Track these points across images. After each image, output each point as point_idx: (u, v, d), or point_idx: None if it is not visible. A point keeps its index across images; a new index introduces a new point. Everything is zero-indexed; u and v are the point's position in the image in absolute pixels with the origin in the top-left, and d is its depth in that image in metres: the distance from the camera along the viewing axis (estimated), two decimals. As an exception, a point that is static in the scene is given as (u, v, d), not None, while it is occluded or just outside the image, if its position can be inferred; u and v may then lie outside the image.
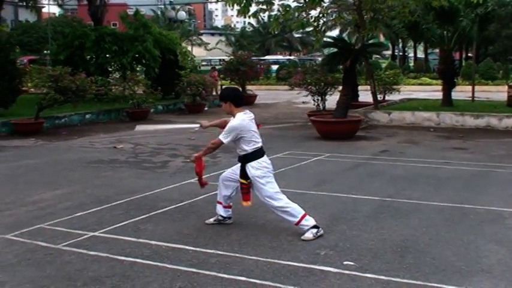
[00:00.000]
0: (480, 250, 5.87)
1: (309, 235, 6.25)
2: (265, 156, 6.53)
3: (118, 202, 8.03)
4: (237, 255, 5.79)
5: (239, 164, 6.57)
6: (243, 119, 6.43)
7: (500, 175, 9.85)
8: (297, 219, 6.33)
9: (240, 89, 28.13)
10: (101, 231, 6.66)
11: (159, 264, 5.55)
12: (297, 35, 70.38)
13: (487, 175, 9.89)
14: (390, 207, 7.60)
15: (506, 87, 21.39)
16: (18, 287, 5.07)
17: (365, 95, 22.02)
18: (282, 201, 6.40)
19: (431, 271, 5.30)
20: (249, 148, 6.41)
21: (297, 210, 6.36)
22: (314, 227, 6.32)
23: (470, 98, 21.94)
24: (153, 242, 6.20)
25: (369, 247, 5.98)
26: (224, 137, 6.38)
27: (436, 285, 4.99)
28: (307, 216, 6.35)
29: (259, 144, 6.50)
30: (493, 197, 8.16)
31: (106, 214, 7.44)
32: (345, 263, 5.52)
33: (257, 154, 6.45)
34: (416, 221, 6.98)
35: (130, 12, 32.09)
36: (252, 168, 6.41)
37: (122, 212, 7.52)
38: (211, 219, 6.92)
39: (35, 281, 5.18)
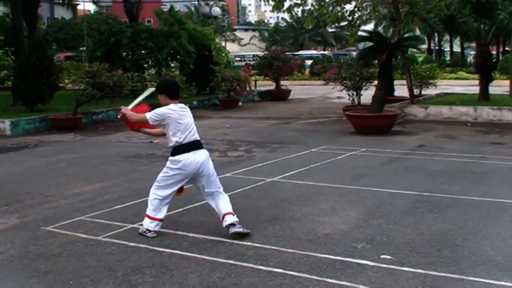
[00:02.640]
0: (518, 245, 5.83)
1: (143, 228, 6.38)
2: (186, 154, 6.21)
3: (156, 195, 8.14)
4: (274, 247, 5.83)
5: None
6: (173, 108, 6.29)
7: (538, 170, 9.70)
8: (151, 214, 6.34)
9: (274, 84, 28.28)
10: (140, 223, 6.72)
11: (197, 255, 5.64)
12: (330, 30, 70.11)
13: (525, 170, 9.76)
14: (427, 202, 7.56)
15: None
16: (61, 277, 5.19)
17: (401, 89, 21.85)
18: (155, 194, 6.36)
19: (468, 265, 5.28)
20: (173, 141, 6.28)
21: (159, 210, 6.34)
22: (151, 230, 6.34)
23: (508, 92, 21.58)
24: (190, 234, 6.30)
25: (406, 241, 5.98)
26: (150, 116, 6.29)
27: (473, 279, 4.97)
28: (159, 223, 6.35)
29: (184, 141, 6.25)
30: (532, 191, 8.05)
31: (144, 207, 7.44)
32: (382, 256, 5.53)
33: (177, 151, 6.25)
34: (454, 215, 6.94)
35: (165, 8, 32.31)
36: (168, 162, 6.32)
37: (160, 205, 7.63)
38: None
39: (76, 271, 5.31)
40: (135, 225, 6.69)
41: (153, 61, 25.18)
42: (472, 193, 8.01)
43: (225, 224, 6.19)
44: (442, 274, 5.07)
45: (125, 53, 25.07)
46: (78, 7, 54.90)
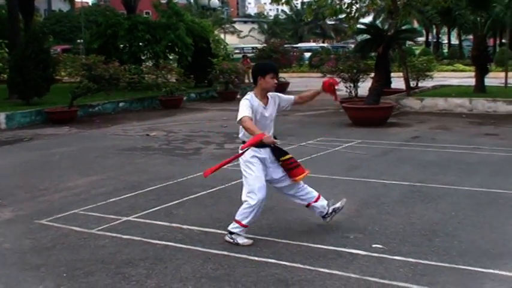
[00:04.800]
0: (507, 233, 5.89)
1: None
2: None
3: (151, 188, 8.18)
4: (268, 238, 5.89)
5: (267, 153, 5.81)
6: None
7: (531, 160, 9.75)
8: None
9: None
10: (134, 216, 6.80)
11: (191, 247, 5.67)
12: (330, 22, 69.87)
13: (518, 161, 9.81)
14: (420, 192, 7.62)
15: (541, 72, 21.03)
16: (54, 269, 5.22)
17: (398, 81, 21.88)
18: None
19: (458, 254, 5.33)
20: None
21: None
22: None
23: (504, 84, 21.62)
24: (185, 226, 6.33)
25: (397, 231, 6.04)
26: None
27: (463, 267, 5.03)
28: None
29: None
30: (523, 182, 8.11)
31: (139, 200, 7.60)
32: (374, 246, 5.58)
33: None
34: (446, 205, 7.00)
35: (163, 0, 32.25)
36: None
37: (154, 197, 7.67)
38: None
39: (69, 264, 5.33)
40: (129, 218, 6.72)
41: (150, 53, 25.18)
42: (464, 183, 8.07)
43: None
44: (432, 263, 5.13)
45: (122, 45, 25.07)
46: (76, -1, 54.69)
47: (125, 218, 6.74)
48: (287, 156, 5.88)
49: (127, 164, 10.19)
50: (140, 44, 24.74)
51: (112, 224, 6.53)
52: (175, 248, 5.66)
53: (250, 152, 5.70)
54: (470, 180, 8.29)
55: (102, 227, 6.40)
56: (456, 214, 6.60)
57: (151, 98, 21.16)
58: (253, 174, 5.70)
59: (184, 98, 21.87)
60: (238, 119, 5.58)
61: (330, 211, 6.11)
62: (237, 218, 5.75)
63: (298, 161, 6.14)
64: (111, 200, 7.61)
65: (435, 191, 7.66)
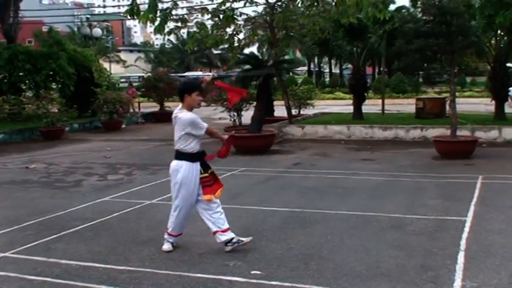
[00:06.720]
0: (380, 255, 6.20)
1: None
2: None
3: (29, 223, 7.95)
4: (148, 270, 5.88)
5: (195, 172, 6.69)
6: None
7: (404, 184, 10.34)
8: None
9: (159, 106, 28.18)
10: (12, 251, 6.60)
11: (68, 282, 5.57)
12: (216, 52, 70.68)
13: (391, 184, 10.37)
14: (298, 218, 7.89)
15: (415, 99, 22.36)
16: None
17: (282, 109, 22.43)
18: None
19: (333, 276, 5.57)
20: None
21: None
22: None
23: (381, 111, 22.77)
24: (63, 261, 6.21)
25: (275, 256, 6.22)
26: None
27: (337, 289, 5.26)
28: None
29: None
30: (396, 204, 8.59)
31: (17, 235, 7.36)
32: (252, 272, 5.72)
33: None
34: (322, 229, 7.28)
35: (45, 29, 31.37)
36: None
37: (32, 232, 7.46)
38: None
39: None
40: (6, 254, 6.51)
41: (31, 83, 24.41)
42: (341, 207, 8.44)
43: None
44: (307, 286, 5.33)
45: (1, 76, 24.14)
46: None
47: (2, 254, 6.52)
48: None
49: (4, 198, 9.83)
50: (20, 73, 23.93)
51: (-13, 261, 6.29)
52: (52, 284, 5.55)
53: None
54: (346, 204, 8.68)
55: (-24, 265, 6.15)
56: (332, 238, 6.89)
57: (31, 130, 20.48)
58: None
59: (67, 129, 21.34)
60: (203, 131, 6.49)
61: (235, 240, 6.43)
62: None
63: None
64: (-14, 236, 7.32)
65: (313, 216, 7.96)
